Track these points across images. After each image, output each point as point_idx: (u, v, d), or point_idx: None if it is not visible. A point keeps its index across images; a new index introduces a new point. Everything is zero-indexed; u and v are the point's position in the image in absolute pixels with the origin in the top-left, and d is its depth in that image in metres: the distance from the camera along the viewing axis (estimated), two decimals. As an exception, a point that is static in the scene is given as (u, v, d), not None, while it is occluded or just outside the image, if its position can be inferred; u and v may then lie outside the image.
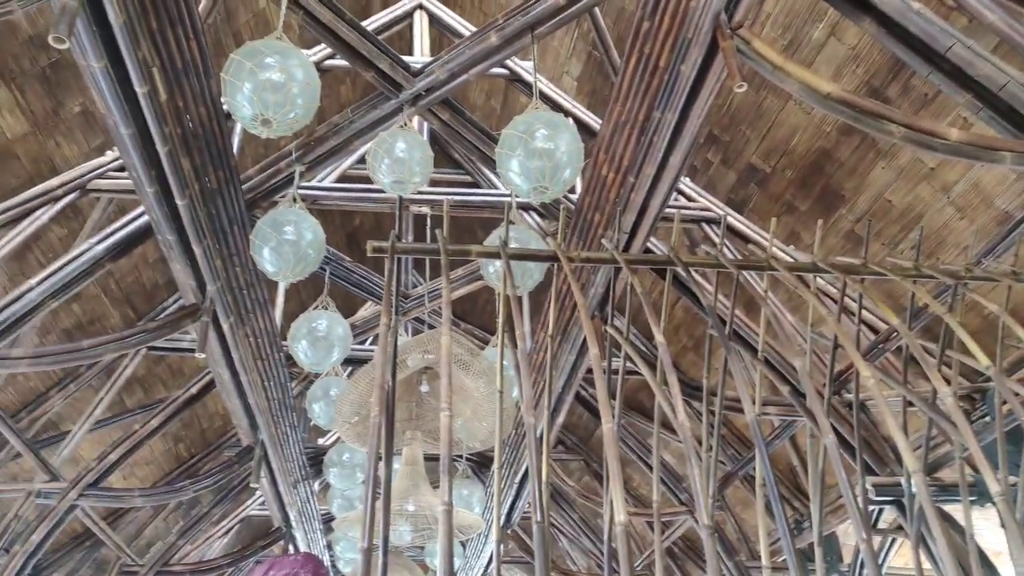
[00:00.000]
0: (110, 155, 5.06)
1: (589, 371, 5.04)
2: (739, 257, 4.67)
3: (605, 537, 2.48)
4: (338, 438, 7.36)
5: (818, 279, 3.02)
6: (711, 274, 4.60)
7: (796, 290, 2.45)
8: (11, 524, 6.42)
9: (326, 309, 4.68)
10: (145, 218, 4.31)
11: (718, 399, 2.55)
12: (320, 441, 8.73)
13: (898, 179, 4.91)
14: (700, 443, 2.30)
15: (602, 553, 8.10)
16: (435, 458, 6.22)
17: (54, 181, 4.87)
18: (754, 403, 2.04)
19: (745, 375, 2.15)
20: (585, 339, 4.46)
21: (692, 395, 4.99)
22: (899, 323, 2.03)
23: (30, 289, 4.27)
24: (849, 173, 5.12)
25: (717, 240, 4.90)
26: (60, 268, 4.30)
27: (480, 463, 8.40)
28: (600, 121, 4.23)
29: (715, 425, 2.42)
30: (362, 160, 4.99)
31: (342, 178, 5.70)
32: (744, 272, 2.44)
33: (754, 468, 6.19)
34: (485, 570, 8.40)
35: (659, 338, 1.97)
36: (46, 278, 4.27)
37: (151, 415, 6.60)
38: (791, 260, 3.85)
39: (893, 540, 5.53)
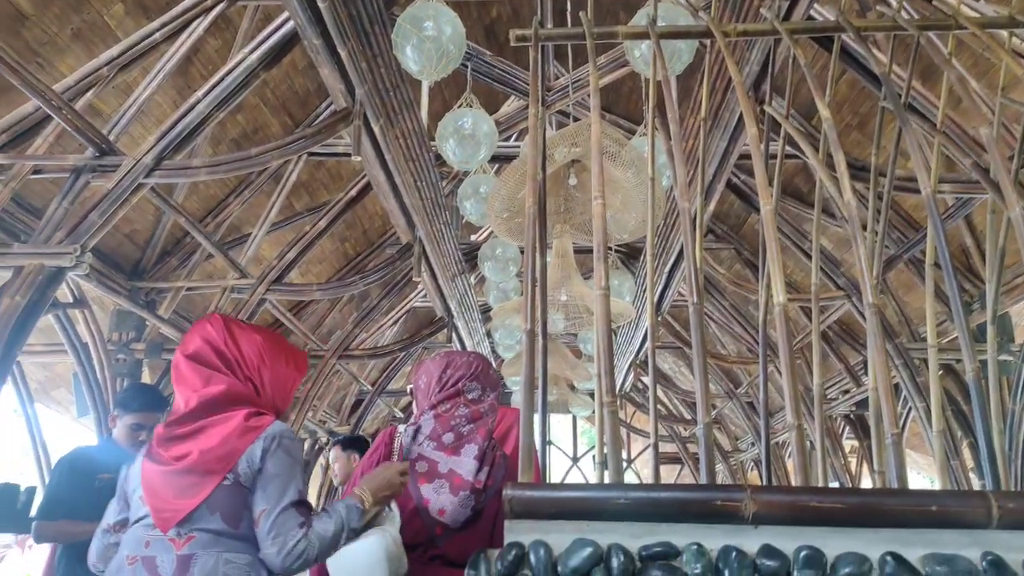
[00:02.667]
0: (250, -39, 5.07)
1: (741, 157, 4.84)
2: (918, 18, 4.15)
3: (760, 320, 2.50)
4: (490, 233, 7.64)
5: (1014, 36, 2.66)
6: (884, 43, 4.15)
7: (985, 52, 2.17)
8: (214, 316, 7.29)
9: (470, 107, 4.67)
10: (291, 24, 4.36)
11: (887, 178, 2.39)
12: (473, 237, 9.10)
13: None
14: (864, 227, 2.20)
15: (753, 338, 8.21)
16: (584, 251, 6.34)
17: (202, -8, 4.98)
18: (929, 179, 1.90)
19: (920, 151, 1.98)
20: (737, 124, 4.25)
21: (856, 176, 4.70)
22: (1114, 80, 1.78)
23: (197, 102, 4.53)
24: (1064, -95, 4.30)
25: (892, 0, 4.36)
26: (221, 79, 4.51)
27: (628, 254, 8.51)
28: None
29: (883, 205, 2.29)
30: (496, -57, 4.72)
31: (477, -35, 5.44)
32: (924, 34, 2.18)
33: (920, 250, 5.90)
34: (636, 355, 8.76)
35: (824, 112, 1.84)
36: (210, 90, 4.50)
37: (318, 217, 7.08)
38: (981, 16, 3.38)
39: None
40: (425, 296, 8.71)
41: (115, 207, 4.53)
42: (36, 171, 4.79)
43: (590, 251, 6.78)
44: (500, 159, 6.34)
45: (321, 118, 6.70)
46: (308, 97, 6.92)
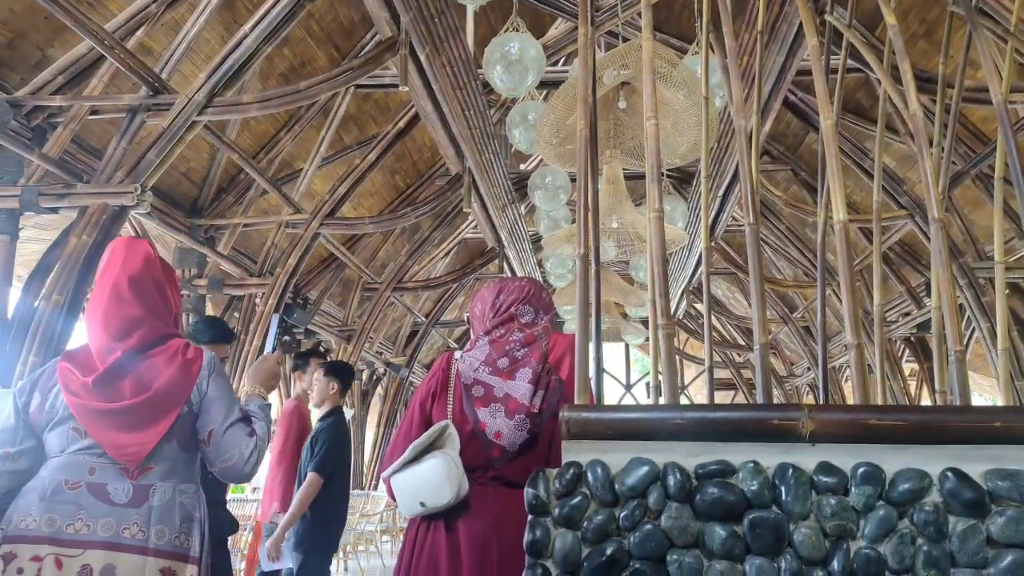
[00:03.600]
0: None
1: (799, 73, 4.65)
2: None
3: (818, 242, 2.44)
4: (539, 162, 7.56)
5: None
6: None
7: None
8: (270, 251, 7.47)
9: (517, 31, 4.56)
10: (331, -49, 4.30)
11: (955, 89, 2.28)
12: (522, 167, 9.03)
13: None
14: (930, 141, 2.12)
15: (810, 261, 8.04)
16: (634, 177, 6.20)
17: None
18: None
19: (991, 58, 1.88)
20: (795, 38, 4.08)
21: (922, 88, 4.49)
22: None
23: (245, 36, 4.53)
24: None
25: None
26: (267, 12, 4.49)
27: (680, 179, 8.35)
28: None
29: (951, 117, 2.19)
30: None
31: None
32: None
33: (988, 165, 5.65)
34: (689, 281, 8.69)
35: (890, 19, 1.75)
36: (257, 23, 4.50)
37: (368, 150, 7.10)
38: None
39: None
40: (476, 227, 8.73)
41: (171, 145, 4.61)
42: (93, 112, 4.89)
43: (640, 177, 6.68)
44: (548, 85, 6.22)
45: (367, 49, 6.64)
46: (353, 28, 6.86)
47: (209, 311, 7.39)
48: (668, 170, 7.12)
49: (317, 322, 8.83)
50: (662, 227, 1.77)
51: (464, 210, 6.83)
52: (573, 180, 6.18)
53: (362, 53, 6.61)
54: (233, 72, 4.57)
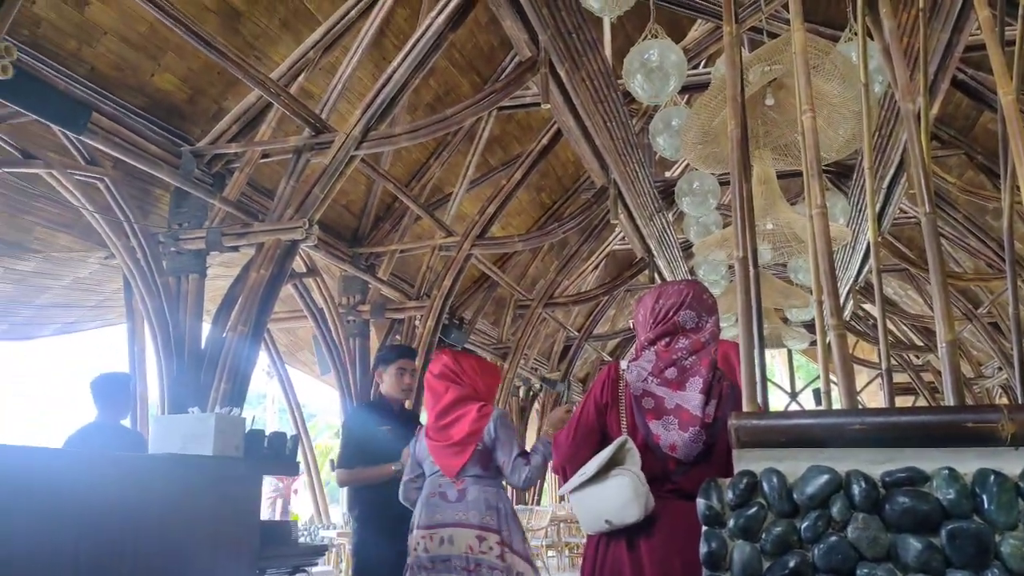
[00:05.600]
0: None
1: (967, 50, 4.31)
2: None
3: (1004, 227, 2.24)
4: (685, 168, 7.41)
5: None
6: None
7: None
8: (426, 275, 7.76)
9: (656, 37, 4.51)
10: (471, -19, 4.45)
11: None
12: (667, 174, 8.89)
13: None
14: None
15: (994, 251, 7.36)
16: (787, 175, 5.91)
17: (387, -35, 5.18)
18: None
19: None
20: (961, 11, 3.79)
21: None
22: None
23: (394, 71, 4.77)
24: None
25: None
26: (413, 47, 4.71)
27: (838, 173, 7.91)
28: None
29: None
30: None
31: None
32: None
33: None
34: (854, 280, 8.19)
35: (1077, -21, 1.58)
36: (404, 58, 4.72)
37: (513, 170, 7.24)
38: None
39: None
40: (623, 238, 8.66)
41: (332, 180, 4.92)
42: (264, 155, 5.30)
43: (792, 175, 6.37)
44: (690, 88, 6.10)
45: (507, 72, 6.79)
46: (493, 52, 7.04)
47: (373, 335, 7.77)
48: (825, 165, 6.76)
49: (473, 341, 9.06)
50: (826, 224, 1.69)
51: (611, 222, 6.81)
52: (722, 184, 6.01)
53: (503, 76, 6.77)
54: (385, 106, 4.81)
